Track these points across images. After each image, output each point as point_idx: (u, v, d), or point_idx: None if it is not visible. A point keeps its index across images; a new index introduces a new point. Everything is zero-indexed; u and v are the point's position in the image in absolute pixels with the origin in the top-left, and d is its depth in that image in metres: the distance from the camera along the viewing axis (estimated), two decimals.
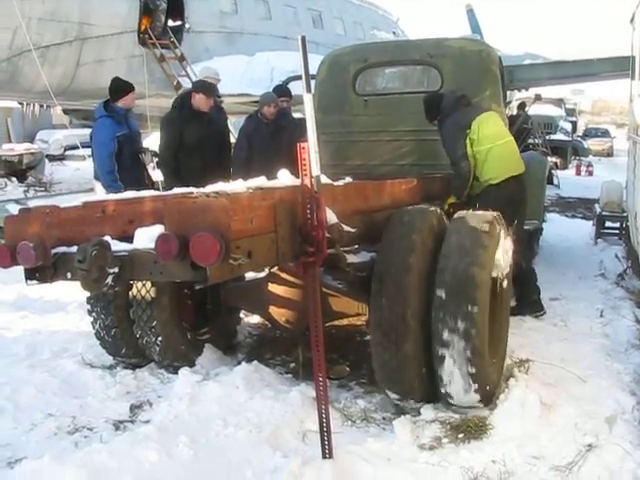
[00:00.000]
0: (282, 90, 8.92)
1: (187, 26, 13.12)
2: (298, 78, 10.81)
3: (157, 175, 8.41)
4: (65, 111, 18.16)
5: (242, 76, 12.46)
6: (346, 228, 4.10)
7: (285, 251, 3.65)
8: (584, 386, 4.79)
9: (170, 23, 13.44)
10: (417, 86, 7.37)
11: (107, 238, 3.46)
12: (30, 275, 3.64)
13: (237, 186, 3.66)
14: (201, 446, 4.12)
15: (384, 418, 4.56)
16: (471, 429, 4.21)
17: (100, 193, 7.82)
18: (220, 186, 3.72)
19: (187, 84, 12.37)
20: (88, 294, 5.32)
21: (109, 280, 3.30)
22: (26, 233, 3.59)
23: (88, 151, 25.46)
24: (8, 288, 7.95)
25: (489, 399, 4.40)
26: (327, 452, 3.91)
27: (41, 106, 17.23)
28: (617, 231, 9.93)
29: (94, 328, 5.47)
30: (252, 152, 8.04)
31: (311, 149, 3.78)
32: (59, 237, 3.66)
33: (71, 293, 7.55)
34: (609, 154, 37.63)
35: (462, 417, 4.34)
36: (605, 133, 43.19)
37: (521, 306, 6.42)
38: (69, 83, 11.29)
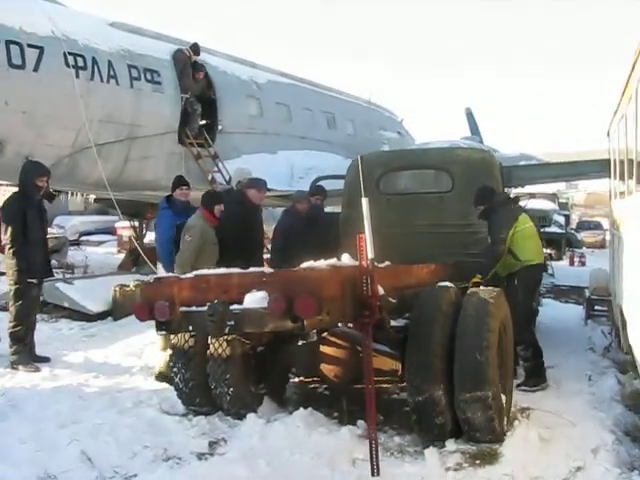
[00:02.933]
0: (317, 189, 10.36)
1: (220, 127, 14.61)
2: (327, 177, 12.46)
3: None
4: (97, 199, 19.71)
5: (266, 172, 13.76)
6: (390, 299, 5.42)
7: (348, 313, 4.95)
8: (574, 428, 6.03)
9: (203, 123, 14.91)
10: (431, 187, 8.64)
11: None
12: (160, 327, 4.90)
13: (318, 264, 4.99)
14: (276, 467, 5.30)
15: (415, 451, 5.73)
16: (486, 457, 5.44)
17: (161, 272, 9.18)
18: (307, 264, 5.05)
19: (220, 179, 13.88)
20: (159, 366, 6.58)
21: (226, 330, 4.58)
22: (160, 295, 4.88)
23: (102, 237, 26.73)
24: (76, 354, 9.22)
25: (500, 435, 5.64)
26: (375, 471, 5.10)
27: (65, 193, 18.76)
28: (605, 313, 11.16)
29: (174, 382, 6.69)
30: (288, 241, 9.34)
31: (367, 239, 5.12)
32: (181, 299, 4.96)
33: (129, 361, 8.88)
34: (602, 246, 38.06)
35: (478, 448, 5.57)
36: (597, 226, 44.42)
37: (529, 378, 7.47)
38: (117, 176, 12.68)
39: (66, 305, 11.81)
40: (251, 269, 5.69)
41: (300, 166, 16.18)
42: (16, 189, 8.98)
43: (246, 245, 8.38)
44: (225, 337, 6.00)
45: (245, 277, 5.28)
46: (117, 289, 11.92)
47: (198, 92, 14.31)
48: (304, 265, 4.98)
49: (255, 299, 4.59)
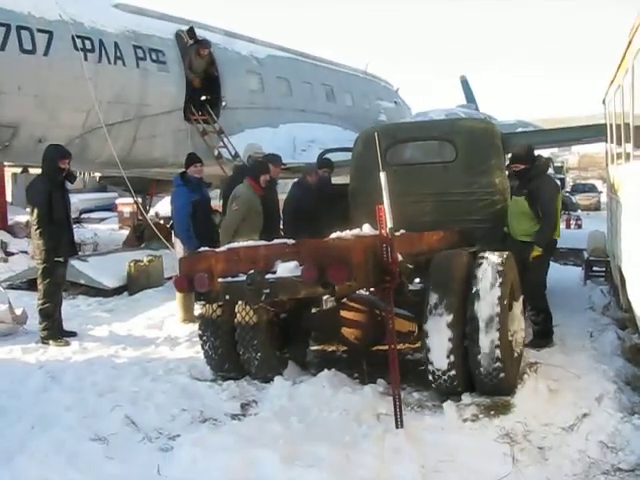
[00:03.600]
0: (324, 162, 10.75)
1: (223, 103, 14.93)
2: (332, 150, 12.86)
3: None
4: (102, 177, 20.05)
5: (269, 146, 14.15)
6: (408, 265, 5.84)
7: (371, 279, 5.38)
8: (579, 380, 6.52)
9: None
10: (435, 157, 9.02)
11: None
12: (199, 297, 5.33)
13: (344, 234, 5.41)
14: (308, 423, 5.76)
15: (434, 405, 6.20)
16: (499, 408, 5.91)
17: (179, 249, 9.64)
18: (335, 234, 5.46)
19: (226, 154, 14.24)
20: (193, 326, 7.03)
21: (263, 297, 5.01)
22: (198, 268, 5.30)
23: (102, 214, 27.08)
24: (100, 328, 9.66)
25: (511, 388, 6.12)
26: (399, 423, 5.56)
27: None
28: (603, 273, 11.62)
29: (203, 349, 7.14)
30: (299, 213, 9.75)
31: (386, 210, 5.53)
32: (217, 271, 5.38)
33: (152, 333, 9.33)
34: (596, 208, 38.34)
35: (492, 400, 6.04)
36: (592, 188, 44.87)
37: (538, 339, 7.92)
38: (127, 154, 13.02)
39: (82, 282, 12.18)
40: (275, 241, 6.11)
41: (302, 139, 16.55)
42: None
43: (265, 218, 8.84)
44: (251, 306, 6.44)
45: (270, 249, 5.71)
46: (131, 264, 12.37)
47: (202, 69, 14.60)
48: (332, 236, 5.40)
49: (288, 268, 5.02)
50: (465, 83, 24.48)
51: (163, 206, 25.02)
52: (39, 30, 11.21)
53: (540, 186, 7.98)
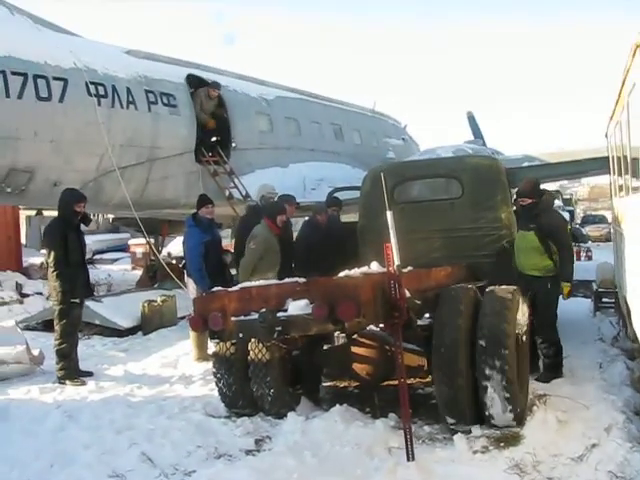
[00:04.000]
0: (333, 201, 10.98)
1: (233, 145, 15.21)
2: (341, 189, 13.12)
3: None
4: (115, 219, 20.33)
5: (279, 185, 14.29)
6: (416, 301, 6.00)
7: (380, 315, 5.53)
8: (588, 411, 6.62)
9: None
10: (442, 194, 9.19)
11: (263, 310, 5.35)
12: (213, 336, 5.50)
13: (353, 272, 5.58)
14: (321, 458, 5.88)
15: (445, 437, 6.32)
16: (509, 439, 6.03)
17: (192, 289, 9.83)
18: (344, 272, 5.64)
19: (237, 195, 14.48)
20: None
21: (275, 335, 5.18)
22: (212, 307, 5.47)
23: (115, 255, 27.25)
24: (116, 367, 9.81)
25: (520, 419, 6.22)
26: (411, 456, 5.66)
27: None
28: (612, 304, 11.69)
29: (217, 386, 7.29)
30: (309, 252, 9.93)
31: (393, 247, 5.70)
32: (230, 310, 5.55)
33: (167, 372, 9.47)
34: (607, 239, 37.94)
35: (502, 432, 6.16)
36: (602, 219, 44.70)
37: (547, 372, 7.94)
38: (139, 197, 13.27)
39: (97, 322, 12.33)
40: (286, 280, 6.31)
41: (311, 177, 16.79)
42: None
43: (282, 256, 9.10)
44: (264, 343, 6.60)
45: (282, 287, 5.90)
46: (145, 304, 12.55)
47: (211, 111, 14.91)
48: (341, 274, 5.58)
49: (299, 306, 5.20)
50: (472, 119, 24.77)
51: (175, 246, 25.34)
52: (54, 78, 11.54)
53: (551, 221, 8.09)
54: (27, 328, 12.24)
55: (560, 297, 8.13)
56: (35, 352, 9.55)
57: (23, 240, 25.20)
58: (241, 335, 5.57)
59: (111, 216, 20.19)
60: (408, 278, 6.25)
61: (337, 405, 6.93)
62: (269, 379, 6.90)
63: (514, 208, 8.70)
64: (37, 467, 5.96)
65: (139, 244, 26.69)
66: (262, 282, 6.16)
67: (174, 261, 19.06)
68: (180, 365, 9.84)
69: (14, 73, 10.95)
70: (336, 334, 7.31)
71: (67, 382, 8.89)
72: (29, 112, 11.19)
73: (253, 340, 6.66)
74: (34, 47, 11.56)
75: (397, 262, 5.72)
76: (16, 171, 11.35)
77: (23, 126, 11.16)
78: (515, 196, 8.64)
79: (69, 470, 5.85)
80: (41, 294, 17.84)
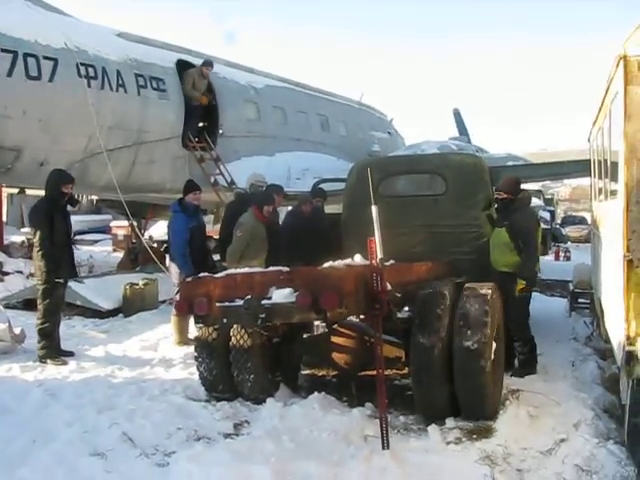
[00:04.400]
0: (318, 192, 11.13)
1: (221, 131, 15.27)
2: (327, 181, 13.27)
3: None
4: (99, 201, 20.32)
5: (264, 174, 14.38)
6: (396, 294, 6.15)
7: (361, 306, 5.68)
8: (559, 407, 6.83)
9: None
10: (426, 190, 9.33)
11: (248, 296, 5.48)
12: (198, 320, 5.62)
13: (337, 264, 5.72)
14: (298, 443, 6.03)
15: (419, 428, 6.49)
16: (481, 431, 6.23)
17: (174, 273, 9.94)
18: (328, 263, 5.78)
19: (222, 182, 14.56)
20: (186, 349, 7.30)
21: (259, 322, 5.31)
22: (198, 293, 5.60)
23: (96, 236, 27.12)
24: (96, 348, 9.90)
25: (493, 413, 6.42)
26: (386, 445, 5.83)
27: None
28: (588, 305, 11.92)
29: (198, 370, 7.41)
30: (293, 241, 10.06)
31: (377, 241, 5.84)
32: (215, 296, 5.68)
33: (147, 354, 9.57)
34: (586, 240, 37.92)
35: (474, 424, 6.35)
36: (582, 221, 44.97)
37: (522, 368, 8.11)
38: (125, 179, 13.31)
39: (79, 303, 12.39)
40: (270, 268, 6.44)
41: (296, 167, 16.89)
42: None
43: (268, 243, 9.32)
44: (247, 330, 6.74)
45: (266, 276, 6.03)
46: (127, 287, 12.64)
47: (201, 93, 14.87)
48: (325, 265, 5.72)
49: (283, 295, 5.33)
50: (458, 115, 24.93)
51: (157, 230, 25.35)
52: (45, 57, 11.55)
53: (521, 218, 8.22)
54: (8, 306, 12.26)
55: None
56: (17, 330, 9.62)
57: (4, 218, 25.06)
58: (225, 321, 5.71)
59: (94, 197, 20.11)
60: (390, 271, 6.40)
61: (315, 393, 7.08)
62: (249, 365, 7.04)
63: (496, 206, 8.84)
64: (19, 443, 6.05)
65: (121, 226, 26.66)
66: (247, 270, 6.29)
67: (155, 245, 19.10)
68: (160, 348, 9.95)
69: (4, 50, 10.96)
70: (316, 323, 7.46)
71: (48, 361, 8.97)
72: (18, 91, 11.20)
73: (235, 326, 6.78)
74: (25, 25, 11.56)
75: (380, 256, 5.86)
76: (3, 149, 11.36)
77: (12, 104, 11.17)
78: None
79: (51, 447, 5.95)
80: (21, 273, 17.80)
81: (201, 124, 15.18)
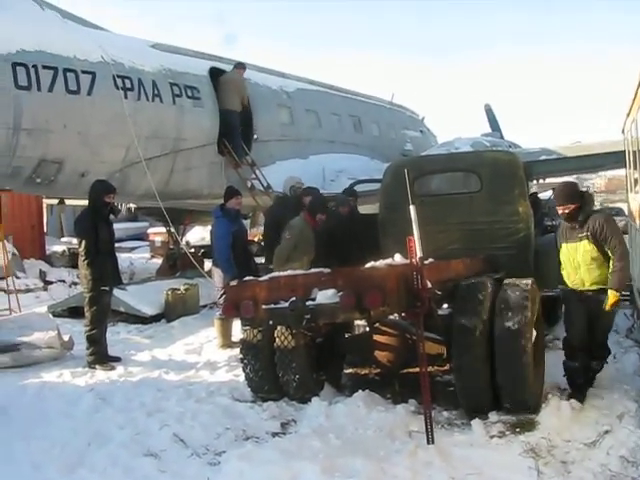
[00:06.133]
0: (351, 192, 11.31)
1: (255, 136, 15.47)
2: (361, 182, 13.41)
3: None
4: (137, 208, 20.68)
5: (299, 176, 14.58)
6: (436, 291, 6.26)
7: (403, 304, 5.81)
8: (602, 399, 6.90)
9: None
10: (461, 188, 9.39)
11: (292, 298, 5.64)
12: (245, 322, 5.80)
13: (378, 264, 5.86)
14: (345, 440, 6.18)
15: (463, 423, 6.60)
16: (524, 425, 6.31)
17: (217, 277, 10.16)
18: (370, 264, 5.92)
19: (258, 186, 14.74)
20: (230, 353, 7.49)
21: (304, 322, 5.47)
22: (244, 296, 5.77)
23: (133, 243, 27.50)
24: (142, 353, 10.15)
25: (536, 406, 6.50)
26: (430, 439, 5.95)
27: None
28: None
29: (244, 371, 7.60)
30: (332, 241, 10.19)
31: (416, 240, 5.96)
32: (260, 298, 5.85)
33: (192, 358, 9.79)
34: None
35: (517, 418, 6.44)
36: (619, 212, 44.23)
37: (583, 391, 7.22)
38: (164, 187, 13.56)
39: (122, 310, 12.67)
40: (312, 270, 6.60)
41: (331, 169, 17.02)
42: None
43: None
44: (291, 331, 6.91)
45: (308, 277, 6.19)
46: (169, 293, 12.89)
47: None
48: (367, 265, 5.87)
49: (327, 295, 5.50)
50: (490, 111, 24.83)
51: (194, 235, 25.70)
52: (83, 71, 11.82)
53: (601, 221, 7.06)
54: (54, 314, 12.56)
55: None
56: (65, 337, 9.92)
57: (45, 229, 25.60)
58: (271, 322, 5.90)
59: (132, 205, 20.48)
60: (429, 269, 6.50)
61: (359, 391, 7.23)
62: (294, 365, 7.20)
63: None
64: (76, 445, 6.31)
65: (158, 233, 27.07)
66: (290, 272, 6.47)
67: (193, 250, 19.41)
68: (204, 352, 10.18)
69: (45, 67, 11.24)
70: (356, 323, 7.59)
71: (97, 366, 9.24)
72: (59, 105, 11.46)
73: (279, 327, 6.96)
74: (64, 41, 11.84)
75: (419, 254, 5.99)
76: (46, 162, 11.65)
77: (53, 118, 11.44)
78: (557, 204, 7.60)
79: (106, 449, 6.20)
80: (64, 281, 18.33)
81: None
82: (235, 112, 14.72)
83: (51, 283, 18.10)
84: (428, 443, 5.93)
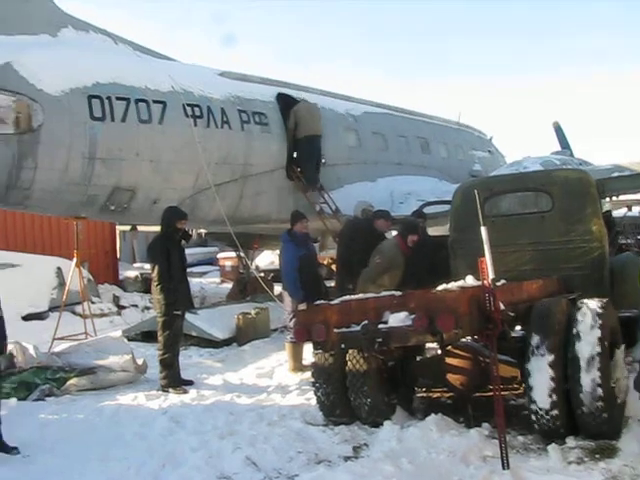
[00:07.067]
0: (420, 214, 11.32)
1: (323, 161, 15.58)
2: (431, 203, 13.34)
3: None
4: (207, 234, 21.05)
5: (368, 200, 14.62)
6: (509, 313, 6.17)
7: (475, 327, 5.74)
8: None
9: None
10: (532, 208, 9.26)
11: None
12: (317, 346, 5.81)
13: (450, 286, 5.81)
14: (417, 464, 6.10)
15: (539, 448, 6.43)
16: (604, 451, 6.12)
17: (287, 301, 10.24)
18: (442, 286, 5.88)
19: (327, 210, 14.81)
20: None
21: (376, 345, 5.45)
22: (315, 319, 5.79)
23: (203, 268, 27.89)
24: (214, 377, 10.27)
25: (616, 431, 6.30)
26: (505, 464, 5.82)
27: None
28: None
29: (316, 395, 7.61)
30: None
31: (487, 262, 5.89)
32: (332, 322, 5.86)
33: (264, 381, 9.85)
34: None
35: (597, 444, 6.25)
36: None
37: None
38: (233, 212, 13.78)
39: (194, 334, 12.86)
40: (382, 293, 6.59)
41: (399, 191, 16.95)
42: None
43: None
44: (362, 354, 6.89)
45: (379, 301, 6.19)
46: (240, 317, 13.04)
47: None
48: (439, 287, 5.84)
49: (399, 318, 5.49)
50: (559, 129, 24.38)
51: (263, 259, 25.98)
52: (154, 101, 12.16)
53: None
54: (127, 338, 12.86)
55: None
56: (139, 361, 10.12)
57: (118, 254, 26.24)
58: (343, 346, 5.91)
59: (202, 231, 20.85)
60: (502, 291, 6.43)
61: (432, 414, 7.13)
62: (366, 389, 7.17)
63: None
64: (150, 467, 6.43)
65: (228, 257, 27.48)
66: (360, 295, 6.47)
67: (262, 274, 19.60)
68: (276, 375, 10.24)
69: (118, 98, 11.61)
70: (427, 345, 7.53)
71: (170, 390, 9.38)
72: (131, 134, 11.82)
73: (351, 351, 6.95)
74: (135, 73, 12.22)
75: (491, 276, 5.91)
76: (120, 190, 11.98)
77: (126, 147, 11.79)
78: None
79: (180, 471, 6.29)
80: (137, 306, 18.75)
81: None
82: (305, 138, 14.83)
83: (124, 308, 18.51)
84: (503, 468, 5.80)
